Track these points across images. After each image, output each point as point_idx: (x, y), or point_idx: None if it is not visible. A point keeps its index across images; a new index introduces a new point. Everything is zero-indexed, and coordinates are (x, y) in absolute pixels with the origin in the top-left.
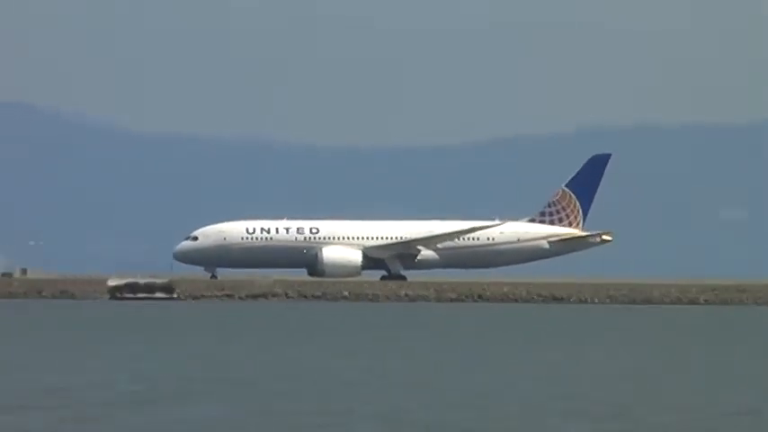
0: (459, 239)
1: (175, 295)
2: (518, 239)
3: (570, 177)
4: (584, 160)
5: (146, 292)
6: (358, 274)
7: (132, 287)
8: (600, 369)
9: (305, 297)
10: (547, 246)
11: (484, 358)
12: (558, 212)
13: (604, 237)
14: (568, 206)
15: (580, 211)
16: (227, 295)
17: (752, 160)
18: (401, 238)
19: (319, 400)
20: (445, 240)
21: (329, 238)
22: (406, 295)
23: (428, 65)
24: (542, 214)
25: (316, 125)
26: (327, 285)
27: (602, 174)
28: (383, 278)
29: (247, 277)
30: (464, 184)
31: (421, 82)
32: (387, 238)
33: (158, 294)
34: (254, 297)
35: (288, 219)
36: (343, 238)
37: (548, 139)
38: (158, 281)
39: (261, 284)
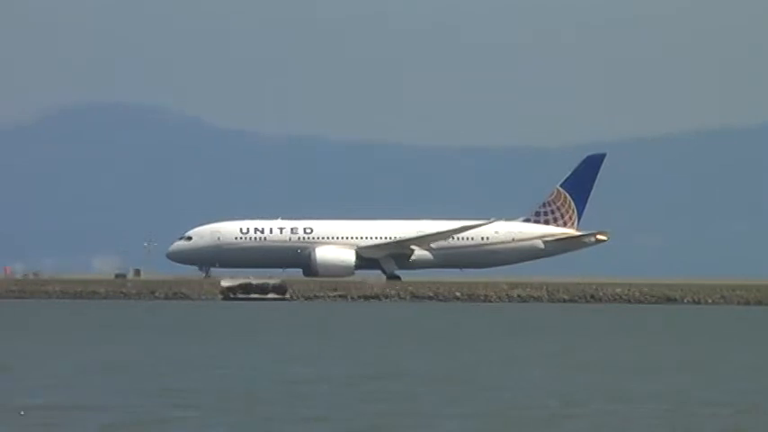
0: (451, 239)
1: (288, 296)
2: (513, 239)
3: (565, 177)
4: (579, 161)
5: (259, 293)
6: (351, 274)
7: (245, 288)
8: None
9: (417, 297)
10: (542, 245)
11: (714, 358)
12: (552, 212)
13: (599, 237)
14: (563, 206)
15: (575, 211)
16: (340, 296)
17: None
18: (394, 237)
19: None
20: (438, 240)
21: (323, 237)
22: (519, 296)
23: (428, 66)
24: (537, 214)
25: (313, 123)
26: (438, 286)
27: (596, 174)
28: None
29: (361, 278)
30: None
31: (418, 83)
32: (380, 237)
33: (271, 295)
34: (366, 298)
35: (282, 219)
36: (337, 238)
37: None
38: (271, 281)
39: (374, 285)
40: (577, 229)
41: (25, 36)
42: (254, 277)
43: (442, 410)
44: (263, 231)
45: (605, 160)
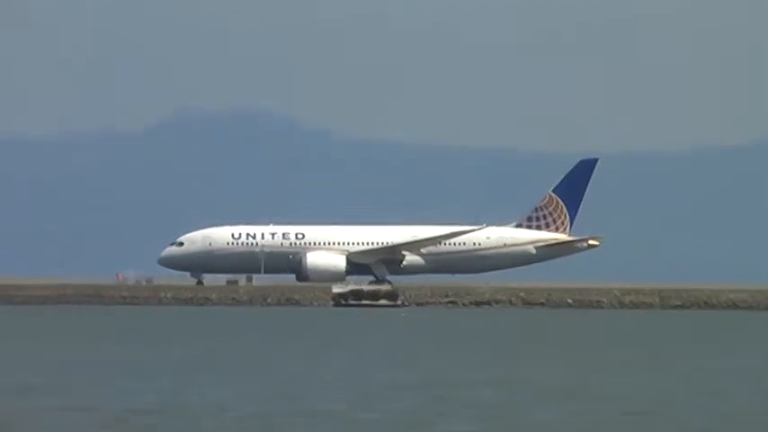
0: (440, 244)
1: (399, 302)
2: (504, 244)
3: (557, 182)
4: (572, 165)
5: (370, 299)
6: (342, 279)
7: (357, 294)
8: None
9: (528, 303)
10: (533, 251)
11: None
12: (545, 217)
13: (591, 242)
14: (555, 211)
15: (567, 216)
16: (451, 302)
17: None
18: (385, 243)
19: None
20: (428, 245)
21: (314, 243)
22: (631, 302)
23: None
24: (529, 219)
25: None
26: (550, 292)
27: (589, 178)
28: (371, 283)
29: (472, 282)
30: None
31: (411, 84)
32: (371, 243)
33: (382, 301)
34: (478, 304)
35: (273, 224)
36: (328, 244)
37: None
38: (383, 288)
39: (485, 291)
40: (570, 235)
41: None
42: (365, 284)
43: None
44: (254, 237)
45: (598, 165)
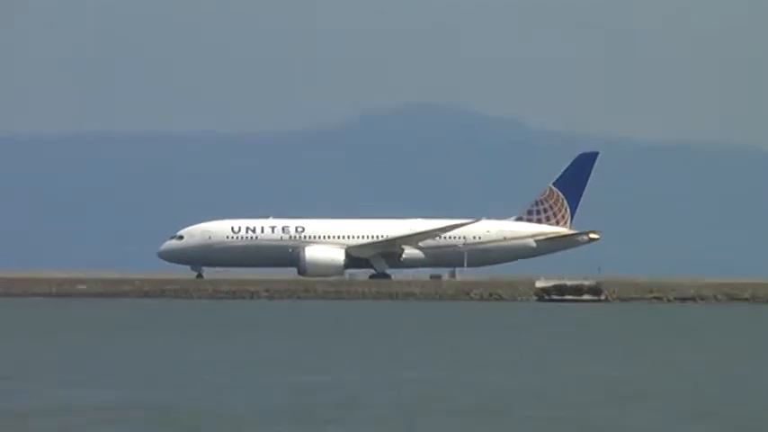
0: (438, 238)
1: (603, 297)
2: (504, 238)
3: (558, 176)
4: (572, 159)
5: (574, 294)
6: (341, 273)
7: (560, 289)
8: None
9: (734, 299)
10: (534, 244)
11: None
12: (545, 211)
13: (592, 235)
14: (556, 205)
15: (568, 210)
16: (656, 297)
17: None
18: (383, 236)
19: None
20: (425, 239)
21: (314, 237)
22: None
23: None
24: (530, 213)
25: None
26: (756, 288)
27: (589, 172)
28: (371, 277)
29: (674, 279)
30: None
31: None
32: (369, 237)
33: (586, 296)
34: (683, 300)
35: (273, 217)
36: (327, 237)
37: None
38: (586, 282)
39: (689, 286)
40: (570, 228)
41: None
42: (568, 278)
43: None
44: (254, 230)
45: (598, 159)
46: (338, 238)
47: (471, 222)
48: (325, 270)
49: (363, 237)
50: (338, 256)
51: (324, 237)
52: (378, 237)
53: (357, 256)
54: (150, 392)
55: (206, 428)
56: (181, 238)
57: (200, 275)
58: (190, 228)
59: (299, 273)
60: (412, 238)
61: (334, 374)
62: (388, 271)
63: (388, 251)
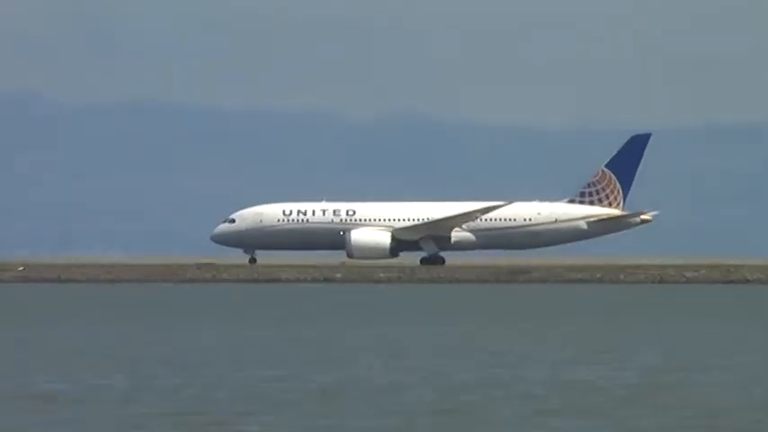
0: (479, 219)
1: None
2: (555, 220)
3: (610, 158)
4: (624, 141)
5: None
6: (387, 256)
7: None
8: None
9: None
10: (585, 226)
11: None
12: (597, 193)
13: (644, 217)
14: (608, 187)
15: (620, 192)
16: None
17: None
18: (427, 219)
19: None
20: (465, 221)
21: (364, 220)
22: None
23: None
24: (582, 195)
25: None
26: None
27: (642, 154)
28: (423, 260)
29: None
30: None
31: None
32: (415, 219)
33: None
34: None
35: (326, 201)
36: (376, 220)
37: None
38: None
39: None
40: (623, 210)
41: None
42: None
43: None
44: (305, 213)
45: (651, 140)
46: (386, 220)
47: (504, 205)
48: (371, 253)
49: (410, 219)
50: (384, 238)
51: (373, 220)
52: (422, 219)
53: (404, 239)
54: None
55: None
56: (233, 221)
57: (252, 260)
58: (242, 211)
59: (347, 255)
60: (452, 220)
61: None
62: (442, 254)
63: (436, 234)
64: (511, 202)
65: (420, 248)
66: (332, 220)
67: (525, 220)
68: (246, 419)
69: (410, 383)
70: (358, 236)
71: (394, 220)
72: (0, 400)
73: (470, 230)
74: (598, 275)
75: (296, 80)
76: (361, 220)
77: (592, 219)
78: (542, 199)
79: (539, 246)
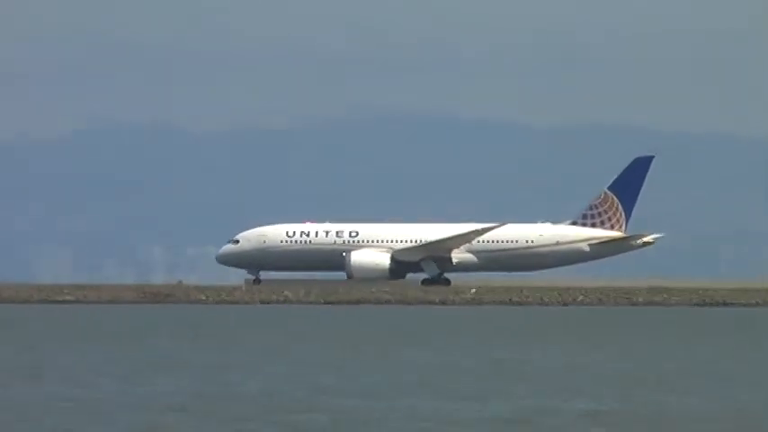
0: (478, 241)
1: None
2: (557, 242)
3: (613, 179)
4: (627, 162)
5: None
6: (386, 277)
7: None
8: None
9: None
10: (587, 248)
11: None
12: (600, 215)
13: (646, 240)
14: (611, 209)
15: (623, 214)
16: None
17: None
18: (425, 240)
19: None
20: (462, 242)
21: (366, 241)
22: None
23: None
24: (584, 217)
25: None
26: None
27: (644, 176)
28: (424, 281)
29: None
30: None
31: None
32: (415, 241)
33: None
34: None
35: (330, 222)
36: (377, 242)
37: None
38: None
39: None
40: (625, 233)
41: None
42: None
43: None
44: (308, 234)
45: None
46: (387, 242)
47: (497, 226)
48: (370, 273)
49: (410, 241)
50: (383, 260)
51: (374, 241)
52: (421, 241)
53: (404, 260)
54: None
55: None
56: (237, 242)
57: (257, 280)
58: (246, 232)
59: (347, 276)
60: (449, 242)
61: None
62: (448, 275)
63: (436, 255)
64: (503, 224)
65: (422, 270)
66: (334, 242)
67: (527, 241)
68: None
69: None
70: (357, 257)
71: (395, 241)
72: None
73: (472, 252)
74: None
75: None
76: (363, 241)
77: (594, 241)
78: (545, 220)
79: (540, 268)
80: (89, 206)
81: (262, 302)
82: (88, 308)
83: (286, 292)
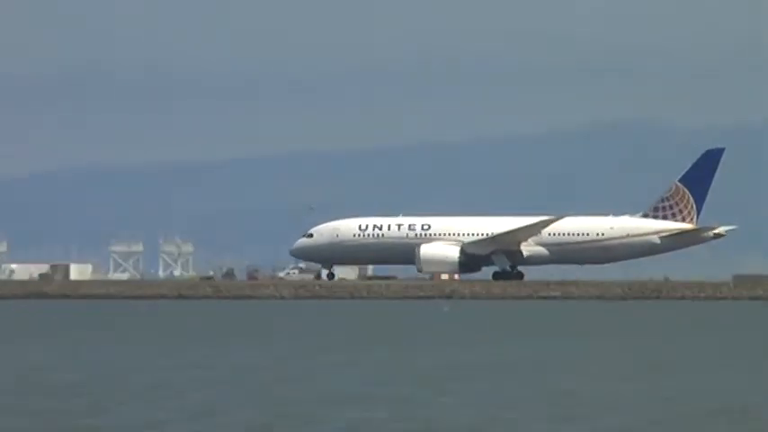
0: (547, 235)
1: None
2: (627, 234)
3: (683, 172)
4: (698, 155)
5: None
6: (455, 271)
7: None
8: None
9: None
10: (658, 241)
11: None
12: (671, 207)
13: (717, 231)
14: (682, 201)
15: (694, 206)
16: None
17: None
18: (493, 233)
19: None
20: (527, 235)
21: (438, 234)
22: None
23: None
24: (656, 210)
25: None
26: None
27: (715, 168)
28: (495, 274)
29: None
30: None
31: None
32: (484, 234)
33: None
34: None
35: (402, 215)
36: (448, 235)
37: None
38: None
39: None
40: (696, 225)
41: None
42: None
43: None
44: (381, 228)
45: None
46: (457, 235)
47: (556, 219)
48: (440, 267)
49: (480, 234)
50: (452, 253)
51: (445, 234)
52: (491, 234)
53: (474, 253)
54: None
55: None
56: (311, 236)
57: (330, 275)
58: (320, 226)
59: (417, 270)
60: (515, 234)
61: None
62: (521, 268)
63: (506, 248)
64: (562, 217)
65: (493, 263)
66: (406, 235)
67: (598, 234)
68: None
69: None
70: (427, 250)
71: (465, 234)
72: None
73: (543, 245)
74: None
75: None
76: (435, 234)
77: (665, 233)
78: (616, 213)
79: (611, 260)
80: None
81: None
82: None
83: None
